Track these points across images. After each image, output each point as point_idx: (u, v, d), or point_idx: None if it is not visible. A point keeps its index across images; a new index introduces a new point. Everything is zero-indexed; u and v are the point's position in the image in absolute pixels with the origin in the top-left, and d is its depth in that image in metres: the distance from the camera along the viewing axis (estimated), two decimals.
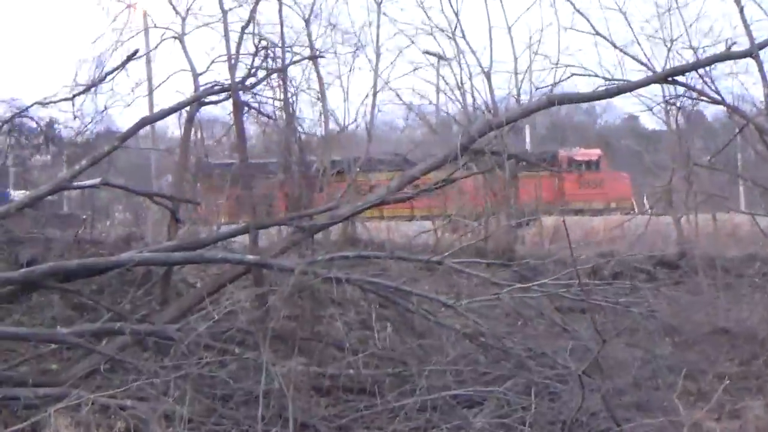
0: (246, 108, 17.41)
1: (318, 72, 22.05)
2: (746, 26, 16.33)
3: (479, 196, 29.86)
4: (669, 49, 21.84)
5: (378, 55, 25.33)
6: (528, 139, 61.21)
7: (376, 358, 15.56)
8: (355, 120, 25.76)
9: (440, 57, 29.83)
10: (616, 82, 18.00)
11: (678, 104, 20.32)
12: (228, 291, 15.73)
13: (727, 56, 17.75)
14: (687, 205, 27.99)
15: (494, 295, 15.86)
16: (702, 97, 18.76)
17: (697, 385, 19.32)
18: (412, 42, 28.29)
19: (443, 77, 29.55)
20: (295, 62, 18.55)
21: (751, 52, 17.71)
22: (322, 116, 23.86)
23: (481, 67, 28.46)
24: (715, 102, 18.73)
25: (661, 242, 30.16)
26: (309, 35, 22.74)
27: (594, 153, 45.65)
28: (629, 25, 23.57)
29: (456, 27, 28.63)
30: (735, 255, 28.02)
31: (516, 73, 28.43)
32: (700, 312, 23.42)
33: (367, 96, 26.40)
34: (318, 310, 14.99)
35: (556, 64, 25.53)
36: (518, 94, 29.08)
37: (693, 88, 18.23)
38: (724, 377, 19.78)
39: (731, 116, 19.51)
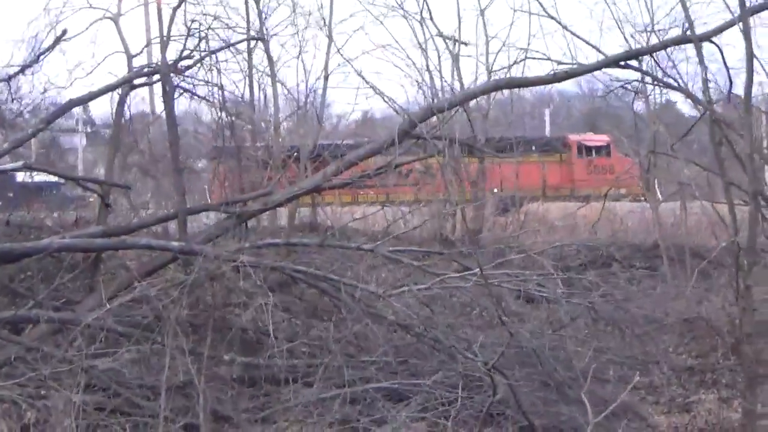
0: (181, 91, 17.26)
1: (268, 54, 21.91)
2: (686, 10, 16.06)
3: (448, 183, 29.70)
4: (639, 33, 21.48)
5: (330, 39, 25.06)
6: (548, 125, 61.39)
7: (307, 348, 15.52)
8: (306, 102, 25.43)
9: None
10: (566, 65, 17.70)
11: (636, 90, 19.93)
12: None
13: (682, 41, 17.49)
14: (659, 193, 27.80)
15: (424, 284, 15.64)
16: (657, 83, 18.52)
17: (650, 378, 19.22)
18: (381, 23, 28.00)
19: (412, 60, 29.22)
20: (231, 45, 18.21)
21: (708, 37, 17.50)
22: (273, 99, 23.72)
23: (449, 51, 28.23)
24: (671, 87, 18.50)
25: (643, 231, 29.97)
26: (260, 15, 22.48)
27: (603, 138, 45.49)
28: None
29: (423, 9, 28.34)
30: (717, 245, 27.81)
31: (487, 56, 28.08)
32: (666, 303, 23.33)
33: (318, 79, 26.07)
34: (242, 298, 14.80)
35: (503, 45, 25.37)
36: (489, 79, 28.63)
37: (647, 73, 18.01)
38: (678, 370, 19.79)
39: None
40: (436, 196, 29.28)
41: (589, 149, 45.83)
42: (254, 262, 14.32)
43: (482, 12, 28.36)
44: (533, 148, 45.10)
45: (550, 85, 31.73)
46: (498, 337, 16.02)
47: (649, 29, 19.53)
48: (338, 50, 24.92)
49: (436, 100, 23.58)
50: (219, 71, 17.71)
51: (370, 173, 17.28)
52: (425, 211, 24.79)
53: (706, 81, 15.69)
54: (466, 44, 28.59)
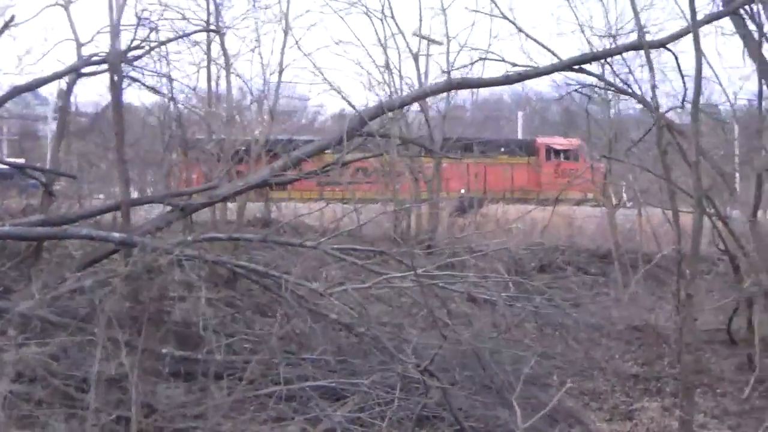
0: (130, 81, 17.19)
1: (223, 46, 21.84)
2: (636, 17, 16.18)
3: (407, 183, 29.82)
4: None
5: (286, 33, 24.97)
6: (520, 127, 61.49)
7: (249, 344, 15.50)
8: (261, 94, 25.33)
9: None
10: (520, 68, 17.75)
11: (591, 94, 20.01)
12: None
13: (634, 47, 17.61)
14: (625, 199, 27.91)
15: (364, 284, 15.66)
16: (610, 88, 18.62)
17: (594, 385, 19.33)
18: (342, 20, 27.86)
19: (372, 58, 29.16)
20: (182, 36, 18.14)
21: (659, 45, 17.61)
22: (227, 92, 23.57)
23: (409, 49, 28.24)
24: (624, 93, 18.62)
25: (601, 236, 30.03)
26: (216, 7, 22.37)
27: (572, 142, 45.64)
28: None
29: (385, 7, 28.29)
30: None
31: (448, 56, 27.98)
32: (615, 309, 23.45)
33: (272, 73, 25.92)
34: (181, 292, 14.74)
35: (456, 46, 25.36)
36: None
37: (600, 77, 18.12)
38: (623, 377, 19.90)
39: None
40: (391, 195, 29.25)
41: (557, 152, 45.98)
42: (194, 256, 14.28)
43: (444, 11, 28.26)
44: (502, 150, 45.20)
45: (528, 88, 31.77)
46: (440, 338, 16.11)
47: (607, 34, 19.56)
48: (296, 42, 24.82)
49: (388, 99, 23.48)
50: (168, 62, 17.59)
51: (318, 170, 17.22)
52: (378, 209, 24.70)
53: (654, 87, 15.79)
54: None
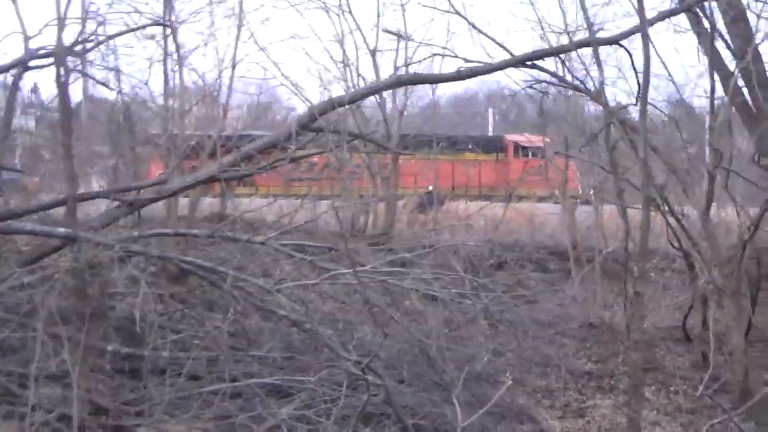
0: (79, 75, 17.08)
1: (175, 40, 21.66)
2: (585, 12, 16.19)
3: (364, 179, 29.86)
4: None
5: (239, 28, 24.82)
6: (491, 124, 61.52)
7: (200, 341, 15.45)
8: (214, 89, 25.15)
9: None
10: (473, 64, 17.72)
11: (545, 91, 19.96)
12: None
13: (586, 43, 17.61)
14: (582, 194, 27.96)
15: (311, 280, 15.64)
16: (563, 84, 18.62)
17: (546, 382, 19.38)
18: (300, 14, 27.92)
19: (330, 54, 29.15)
20: (132, 30, 17.97)
21: (611, 42, 17.64)
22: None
23: (366, 44, 28.22)
24: (576, 89, 18.63)
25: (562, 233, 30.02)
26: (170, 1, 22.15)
27: (541, 140, 45.81)
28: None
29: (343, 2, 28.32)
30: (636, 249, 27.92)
31: (406, 52, 27.92)
32: (571, 306, 23.54)
33: (226, 68, 25.73)
34: (129, 288, 14.68)
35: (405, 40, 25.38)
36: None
37: (552, 74, 18.11)
38: (577, 374, 19.97)
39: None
40: (349, 191, 29.31)
41: (525, 150, 45.99)
42: (139, 252, 14.23)
43: (403, 7, 28.25)
44: (469, 147, 45.28)
45: (504, 85, 31.68)
46: (391, 335, 16.13)
47: (563, 31, 19.54)
48: (251, 35, 24.74)
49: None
50: (116, 56, 17.48)
51: (267, 166, 17.16)
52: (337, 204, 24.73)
53: (602, 83, 15.83)
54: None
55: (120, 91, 18.14)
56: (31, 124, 33.95)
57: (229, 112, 26.35)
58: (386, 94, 26.79)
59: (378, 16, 28.74)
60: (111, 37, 17.13)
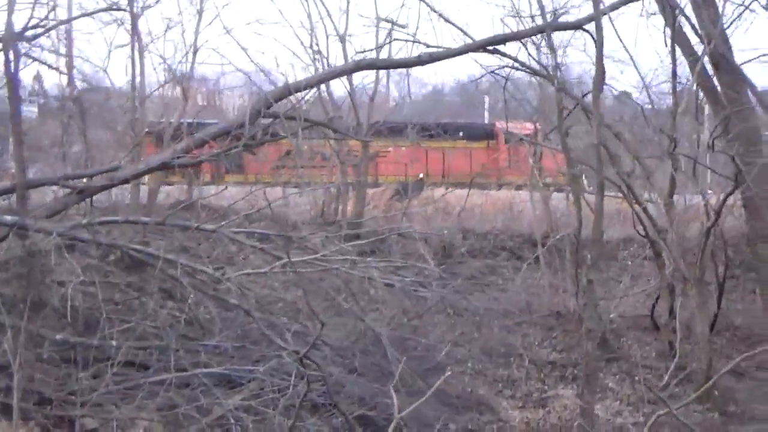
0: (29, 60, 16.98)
1: (134, 26, 21.52)
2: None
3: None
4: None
5: (200, 13, 24.69)
6: (486, 112, 61.43)
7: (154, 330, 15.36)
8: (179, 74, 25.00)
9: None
10: (433, 49, 17.67)
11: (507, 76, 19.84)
12: None
13: (542, 29, 17.57)
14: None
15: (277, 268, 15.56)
16: (524, 69, 18.57)
17: (509, 372, 19.35)
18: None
19: (300, 40, 29.02)
20: (87, 14, 17.86)
21: (572, 27, 17.62)
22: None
23: (336, 30, 28.10)
24: (537, 74, 18.58)
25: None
26: None
27: (530, 127, 45.69)
28: None
29: None
30: (615, 237, 27.92)
31: (377, 37, 27.82)
32: (539, 295, 23.55)
33: (186, 53, 25.52)
34: (72, 276, 14.57)
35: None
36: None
37: (514, 59, 18.04)
38: (540, 364, 19.93)
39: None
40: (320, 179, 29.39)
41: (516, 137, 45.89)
42: (86, 239, 14.15)
43: None
44: (461, 134, 45.14)
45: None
46: (345, 324, 16.16)
47: (524, 15, 19.45)
48: (217, 15, 24.61)
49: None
50: (69, 40, 17.39)
51: (222, 153, 17.03)
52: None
53: (556, 68, 15.78)
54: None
55: (72, 78, 17.98)
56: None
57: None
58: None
59: (348, 2, 28.63)
60: (63, 22, 17.02)
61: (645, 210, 18.82)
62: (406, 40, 19.32)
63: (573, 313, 21.93)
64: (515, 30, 18.33)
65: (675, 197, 19.97)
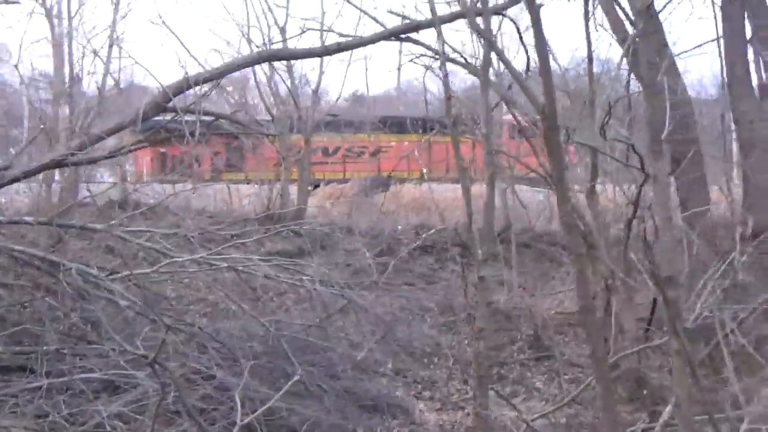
0: None
1: (49, 18, 21.34)
2: None
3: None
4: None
5: (117, 5, 24.43)
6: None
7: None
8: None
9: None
10: (346, 38, 17.45)
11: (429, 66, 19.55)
12: None
13: (461, 15, 17.32)
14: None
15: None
16: (438, 56, 18.28)
17: (430, 373, 19.15)
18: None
19: (243, 33, 28.85)
20: None
21: (496, 11, 17.41)
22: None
23: (276, 23, 27.89)
24: (453, 62, 18.31)
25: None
26: None
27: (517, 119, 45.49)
28: None
29: None
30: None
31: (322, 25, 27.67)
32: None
33: (102, 47, 25.16)
34: None
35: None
36: None
37: (427, 47, 17.79)
38: (465, 364, 19.68)
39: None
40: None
41: (520, 131, 45.68)
42: None
43: None
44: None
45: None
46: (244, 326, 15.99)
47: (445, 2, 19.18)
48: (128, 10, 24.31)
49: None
50: None
51: (117, 152, 16.79)
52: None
53: (489, 56, 15.53)
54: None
55: None
56: None
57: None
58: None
59: None
60: None
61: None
62: (320, 30, 18.97)
63: (501, 310, 21.73)
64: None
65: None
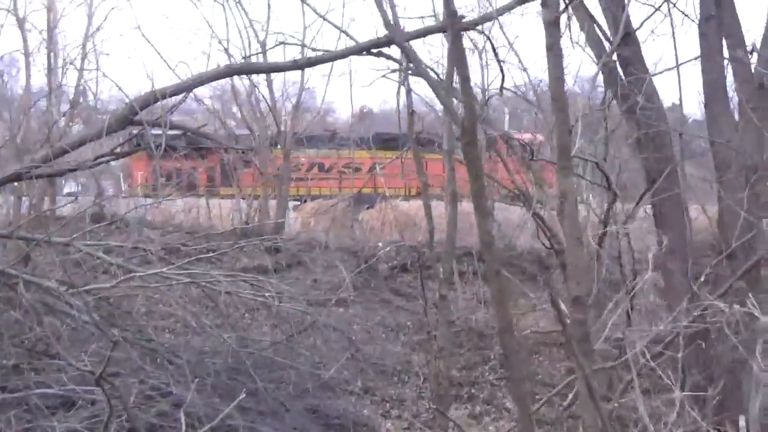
0: None
1: (22, 31, 21.31)
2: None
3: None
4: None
5: (90, 17, 24.41)
6: (507, 123, 61.58)
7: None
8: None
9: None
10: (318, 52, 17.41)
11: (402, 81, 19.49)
12: None
13: (435, 30, 17.32)
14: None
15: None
16: (411, 72, 18.27)
17: (400, 391, 19.09)
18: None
19: (224, 46, 28.84)
20: None
21: (467, 27, 17.32)
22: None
23: (257, 38, 27.94)
24: (422, 77, 18.24)
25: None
26: None
27: (527, 138, 45.44)
28: None
29: None
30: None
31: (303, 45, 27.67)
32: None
33: (75, 59, 25.10)
34: None
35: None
36: None
37: (398, 62, 17.74)
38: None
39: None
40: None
41: (523, 148, 45.61)
42: None
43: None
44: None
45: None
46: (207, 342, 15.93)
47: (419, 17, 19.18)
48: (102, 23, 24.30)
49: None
50: None
51: (86, 164, 16.71)
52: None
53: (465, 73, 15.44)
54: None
55: None
56: None
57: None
58: None
59: (268, 7, 28.47)
60: None
61: (542, 220, 18.36)
62: (295, 44, 18.91)
63: (473, 329, 21.66)
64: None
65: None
